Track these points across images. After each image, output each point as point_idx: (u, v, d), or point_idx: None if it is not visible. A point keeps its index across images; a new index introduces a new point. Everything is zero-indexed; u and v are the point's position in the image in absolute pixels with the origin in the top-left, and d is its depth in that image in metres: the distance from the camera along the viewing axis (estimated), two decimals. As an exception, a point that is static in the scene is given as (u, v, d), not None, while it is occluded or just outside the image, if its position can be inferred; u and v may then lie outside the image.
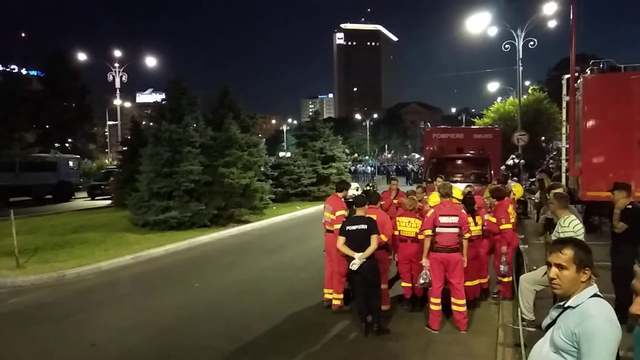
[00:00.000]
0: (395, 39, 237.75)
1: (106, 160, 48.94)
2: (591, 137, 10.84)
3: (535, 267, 6.96)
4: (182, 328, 6.75)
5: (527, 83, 42.27)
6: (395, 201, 8.84)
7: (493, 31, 22.34)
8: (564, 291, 2.31)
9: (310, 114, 29.41)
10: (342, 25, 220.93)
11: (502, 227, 7.23)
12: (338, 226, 6.68)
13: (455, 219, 6.25)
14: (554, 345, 2.28)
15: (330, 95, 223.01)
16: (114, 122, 51.18)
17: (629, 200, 6.04)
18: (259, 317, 7.08)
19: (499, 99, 42.74)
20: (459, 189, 7.68)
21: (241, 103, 19.32)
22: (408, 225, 6.99)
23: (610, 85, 10.93)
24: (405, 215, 7.11)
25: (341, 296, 7.17)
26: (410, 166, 50.09)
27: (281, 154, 54.07)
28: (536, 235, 11.69)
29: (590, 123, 10.90)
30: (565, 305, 2.30)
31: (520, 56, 21.98)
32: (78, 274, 9.86)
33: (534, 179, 19.53)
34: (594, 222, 11.45)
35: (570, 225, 5.32)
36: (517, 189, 10.35)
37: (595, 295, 2.27)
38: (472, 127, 32.89)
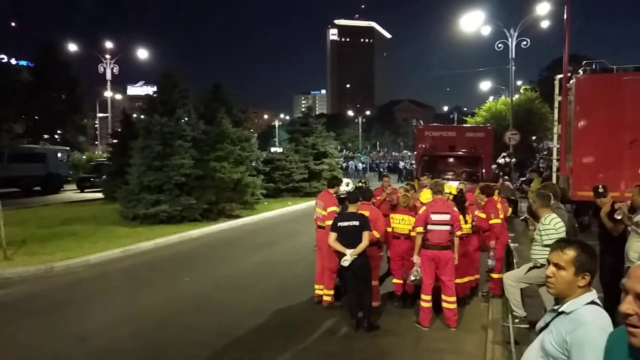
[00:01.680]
0: (388, 36, 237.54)
1: (96, 153, 48.55)
2: (582, 137, 10.93)
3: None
4: (171, 322, 6.72)
5: (519, 83, 42.60)
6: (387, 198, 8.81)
7: (486, 30, 22.48)
8: (558, 292, 2.21)
9: (303, 109, 29.32)
10: (336, 22, 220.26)
11: (491, 221, 7.30)
12: (329, 222, 6.67)
13: (446, 217, 6.27)
14: (543, 350, 2.19)
15: (323, 92, 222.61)
16: (104, 115, 50.76)
17: (611, 200, 6.07)
18: (249, 312, 7.06)
19: (491, 98, 42.93)
20: (452, 186, 7.69)
21: (233, 97, 19.25)
22: (402, 223, 7.00)
23: (602, 86, 11.03)
24: (399, 212, 7.13)
25: (332, 292, 7.18)
26: (402, 163, 50.09)
27: (273, 149, 53.86)
28: (525, 234, 11.76)
29: (581, 123, 10.99)
30: (559, 310, 2.20)
31: (513, 56, 22.10)
32: (67, 267, 9.77)
33: (524, 178, 19.67)
34: (584, 221, 11.52)
35: (552, 223, 5.31)
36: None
37: (592, 302, 2.16)
38: (464, 125, 33.00)
